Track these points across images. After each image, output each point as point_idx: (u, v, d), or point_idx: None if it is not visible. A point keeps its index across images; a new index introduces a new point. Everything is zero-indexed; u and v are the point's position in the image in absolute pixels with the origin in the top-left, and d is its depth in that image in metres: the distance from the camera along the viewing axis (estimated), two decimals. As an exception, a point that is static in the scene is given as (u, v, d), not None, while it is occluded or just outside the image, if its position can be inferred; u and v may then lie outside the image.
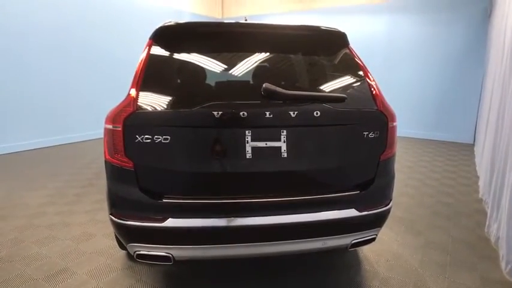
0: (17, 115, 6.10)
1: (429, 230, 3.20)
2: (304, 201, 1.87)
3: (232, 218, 1.79)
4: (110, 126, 1.79)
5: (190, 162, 1.80)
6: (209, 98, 1.84)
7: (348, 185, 1.98)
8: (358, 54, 2.18)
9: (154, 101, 1.82)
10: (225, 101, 1.84)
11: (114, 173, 1.84)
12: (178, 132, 1.76)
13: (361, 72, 2.07)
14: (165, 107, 1.80)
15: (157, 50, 1.97)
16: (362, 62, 2.12)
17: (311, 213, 1.87)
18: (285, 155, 1.82)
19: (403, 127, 7.90)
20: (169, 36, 2.03)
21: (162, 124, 1.76)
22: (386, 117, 1.97)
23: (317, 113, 1.83)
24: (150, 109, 1.78)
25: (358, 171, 2.00)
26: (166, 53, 1.99)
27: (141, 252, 1.85)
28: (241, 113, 1.75)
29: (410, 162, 5.74)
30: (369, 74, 2.06)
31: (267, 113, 1.77)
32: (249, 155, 1.79)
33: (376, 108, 1.96)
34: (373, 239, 2.09)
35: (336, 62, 2.19)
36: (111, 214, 1.89)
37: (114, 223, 1.87)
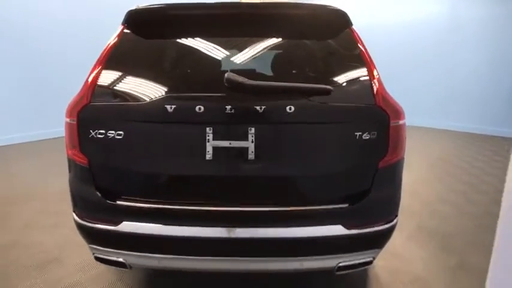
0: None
1: (467, 248, 2.66)
2: (274, 213, 1.56)
3: (187, 226, 1.55)
4: (68, 120, 1.65)
5: (143, 162, 1.59)
6: (168, 90, 1.61)
7: (333, 197, 1.63)
8: (361, 39, 1.78)
9: (111, 93, 1.63)
10: (187, 92, 1.59)
11: (72, 170, 1.71)
12: (131, 128, 1.56)
13: (360, 60, 1.67)
14: (120, 99, 1.61)
15: (126, 37, 1.78)
16: (364, 48, 1.72)
17: (283, 227, 1.55)
18: (253, 157, 1.52)
19: (464, 121, 6.96)
20: (140, 21, 1.81)
21: (114, 118, 1.57)
22: (388, 115, 1.57)
23: (290, 108, 1.49)
24: (104, 102, 1.60)
25: (348, 180, 1.63)
26: (134, 40, 1.79)
27: (98, 255, 1.72)
28: (197, 108, 1.49)
29: (465, 163, 4.98)
30: (369, 62, 1.66)
31: (228, 108, 1.49)
32: (209, 156, 1.52)
33: (373, 103, 1.56)
34: (369, 263, 1.71)
35: (331, 47, 1.81)
36: (73, 212, 1.77)
37: (75, 222, 1.75)
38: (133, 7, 1.78)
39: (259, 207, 1.57)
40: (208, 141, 1.52)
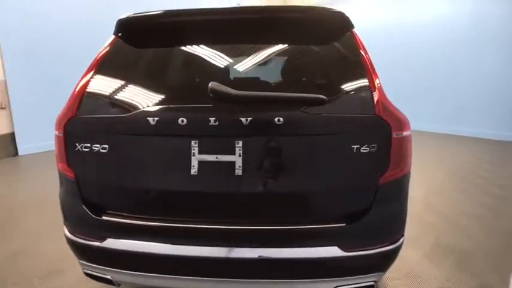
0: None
1: (492, 269, 2.42)
2: (262, 232, 1.46)
3: (172, 245, 1.47)
4: (56, 133, 1.62)
5: (128, 177, 1.54)
6: (153, 102, 1.54)
7: (328, 215, 1.50)
8: (362, 42, 1.65)
9: (97, 105, 1.59)
10: (172, 104, 1.52)
11: (62, 183, 1.68)
12: (115, 142, 1.51)
13: (360, 66, 1.54)
14: (105, 111, 1.56)
15: (115, 47, 1.73)
16: (365, 53, 1.59)
17: (272, 248, 1.45)
18: (240, 172, 1.43)
19: (492, 128, 6.57)
20: (128, 30, 1.76)
21: (99, 132, 1.53)
22: (389, 125, 1.43)
23: (279, 120, 1.39)
24: (89, 114, 1.56)
25: (344, 197, 1.50)
26: (123, 50, 1.73)
27: (87, 271, 1.67)
28: (179, 120, 1.41)
29: (489, 173, 4.65)
30: (370, 69, 1.52)
31: (212, 120, 1.40)
32: (194, 171, 1.44)
33: (372, 113, 1.43)
34: (370, 287, 1.57)
35: (330, 52, 1.68)
36: (64, 225, 1.74)
37: (65, 236, 1.71)
38: (123, 16, 1.74)
39: (247, 225, 1.47)
40: (194, 155, 1.44)
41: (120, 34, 1.76)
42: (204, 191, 1.48)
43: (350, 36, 1.65)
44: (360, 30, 1.70)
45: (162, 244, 1.49)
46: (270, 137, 1.43)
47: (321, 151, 1.44)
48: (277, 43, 1.71)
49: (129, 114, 1.48)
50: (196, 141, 1.44)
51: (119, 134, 1.50)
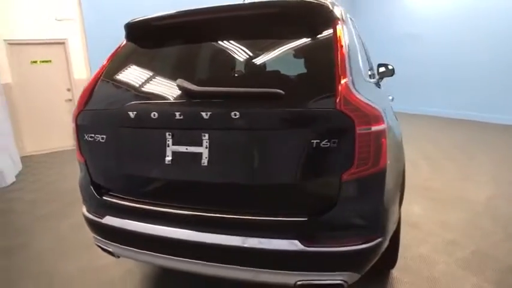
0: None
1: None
2: (227, 221, 1.53)
3: (151, 225, 1.64)
4: (72, 124, 1.91)
5: (120, 163, 1.75)
6: (137, 97, 1.71)
7: (289, 208, 1.50)
8: (344, 33, 1.58)
9: (100, 100, 1.82)
10: (151, 100, 1.68)
11: (80, 167, 1.98)
12: (110, 132, 1.73)
13: (329, 59, 1.49)
14: (104, 106, 1.78)
15: (123, 49, 1.96)
16: (341, 45, 1.52)
17: (236, 236, 1.51)
18: (206, 163, 1.52)
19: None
20: (132, 34, 1.97)
21: (98, 123, 1.77)
22: (352, 120, 1.36)
23: (235, 114, 1.43)
24: (93, 108, 1.80)
25: (306, 191, 1.48)
26: (129, 51, 1.95)
27: (97, 243, 1.94)
28: (152, 114, 1.56)
29: None
30: (340, 62, 1.46)
31: (177, 114, 1.52)
32: (168, 160, 1.58)
33: (333, 107, 1.38)
34: (339, 286, 1.52)
35: (302, 46, 1.65)
36: (82, 204, 2.04)
37: (82, 213, 2.01)
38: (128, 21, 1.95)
39: (210, 213, 1.56)
40: (168, 146, 1.58)
41: (126, 38, 1.98)
42: (176, 178, 1.62)
43: (329, 28, 1.59)
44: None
45: (144, 224, 1.67)
46: (229, 131, 1.49)
47: (279, 145, 1.45)
48: (252, 39, 1.74)
49: (116, 108, 1.69)
50: (170, 133, 1.57)
51: (112, 126, 1.72)
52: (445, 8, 8.29)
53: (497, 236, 2.69)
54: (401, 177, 1.90)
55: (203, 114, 1.48)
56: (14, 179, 4.77)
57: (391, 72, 3.96)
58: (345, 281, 1.51)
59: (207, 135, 1.51)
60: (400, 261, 2.40)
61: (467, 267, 2.30)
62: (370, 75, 2.32)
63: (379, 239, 1.51)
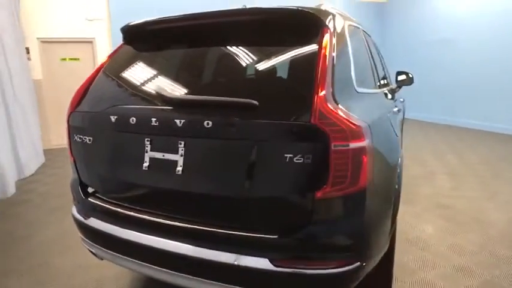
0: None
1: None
2: (197, 232, 1.47)
3: (128, 230, 1.62)
4: (66, 124, 1.94)
5: (103, 166, 1.75)
6: (120, 101, 1.70)
7: (259, 224, 1.43)
8: (332, 42, 1.49)
9: (89, 102, 1.83)
10: (133, 105, 1.66)
11: (71, 166, 2.00)
12: (95, 135, 1.73)
13: (309, 70, 1.41)
14: (92, 108, 1.79)
15: (119, 52, 1.97)
16: (325, 55, 1.43)
17: (204, 248, 1.45)
18: (180, 171, 1.48)
19: None
20: (127, 37, 1.97)
21: (85, 125, 1.77)
22: (327, 135, 1.27)
23: (208, 124, 1.38)
24: (82, 110, 1.82)
25: (278, 207, 1.40)
26: (122, 54, 1.95)
27: (83, 243, 1.96)
28: (130, 119, 1.55)
29: None
30: (321, 72, 1.37)
31: (153, 120, 1.49)
32: (145, 166, 1.56)
33: (307, 120, 1.29)
34: None
35: (286, 55, 1.56)
36: (73, 203, 2.06)
37: (71, 213, 2.03)
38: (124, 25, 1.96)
39: (182, 222, 1.51)
40: (147, 152, 1.56)
41: (123, 41, 1.99)
42: (151, 185, 1.59)
43: (315, 38, 1.51)
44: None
45: (122, 229, 1.65)
46: (202, 140, 1.44)
47: (250, 157, 1.37)
48: (237, 46, 1.67)
49: (100, 111, 1.69)
50: (149, 139, 1.55)
51: (96, 128, 1.72)
52: (479, 12, 7.78)
53: (514, 266, 2.46)
54: (393, 196, 1.76)
55: (177, 121, 1.44)
56: (33, 171, 4.97)
57: (410, 81, 3.77)
58: None
59: (183, 143, 1.47)
60: (398, 284, 2.26)
61: (475, 298, 2.12)
62: (373, 85, 2.19)
63: (357, 264, 1.40)
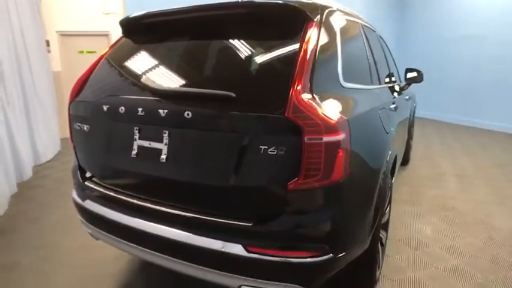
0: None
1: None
2: (178, 216, 1.54)
3: (118, 213, 1.71)
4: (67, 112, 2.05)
5: (97, 152, 1.84)
6: (113, 91, 1.78)
7: (234, 212, 1.47)
8: (315, 36, 1.51)
9: (87, 92, 1.92)
10: (124, 95, 1.73)
11: (73, 152, 2.11)
12: (91, 123, 1.82)
13: (289, 64, 1.44)
14: (89, 98, 1.87)
15: (117, 44, 2.06)
16: (306, 48, 1.45)
17: (184, 232, 1.52)
18: (164, 159, 1.54)
19: None
20: (125, 30, 2.06)
21: (83, 114, 1.87)
22: (301, 128, 1.30)
23: (188, 114, 1.44)
24: (81, 99, 1.91)
25: (252, 197, 1.44)
26: (120, 46, 2.03)
27: (82, 224, 2.06)
28: (119, 108, 1.62)
29: None
30: (300, 66, 1.40)
31: (139, 110, 1.56)
32: (134, 153, 1.63)
33: (281, 113, 1.32)
34: None
35: (268, 48, 1.59)
36: (73, 187, 2.17)
37: (72, 196, 2.14)
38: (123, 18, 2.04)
39: (165, 207, 1.58)
40: (135, 140, 1.63)
41: (122, 33, 2.08)
42: (139, 171, 1.67)
43: (299, 32, 1.53)
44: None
45: (112, 211, 1.74)
46: (183, 130, 1.49)
47: (227, 147, 1.42)
48: (223, 39, 1.71)
49: (94, 101, 1.77)
50: (138, 128, 1.62)
51: (92, 117, 1.81)
52: (507, 8, 7.34)
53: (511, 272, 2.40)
54: (375, 193, 1.76)
55: (160, 111, 1.50)
56: (49, 158, 5.19)
57: (420, 78, 3.70)
58: None
59: (167, 132, 1.53)
60: (386, 282, 2.25)
61: (463, 301, 2.09)
62: (368, 81, 2.19)
63: (329, 255, 1.42)
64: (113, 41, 7.34)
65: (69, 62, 6.63)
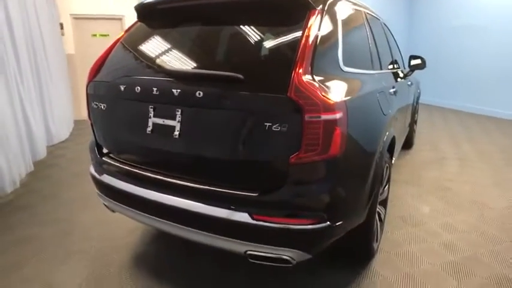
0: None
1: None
2: (190, 188, 1.70)
3: (134, 186, 1.87)
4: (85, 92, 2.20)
5: (114, 129, 2.00)
6: (129, 72, 1.92)
7: (242, 184, 1.63)
8: (317, 23, 1.64)
9: (105, 73, 2.07)
10: (140, 75, 1.87)
11: (90, 129, 2.27)
12: (108, 102, 1.97)
13: (292, 48, 1.58)
14: (106, 78, 2.02)
15: (132, 28, 2.20)
16: (309, 34, 1.59)
17: (196, 202, 1.68)
18: (177, 135, 1.70)
19: None
20: (140, 15, 2.20)
21: (100, 93, 2.02)
22: (301, 107, 1.44)
23: (199, 94, 1.58)
24: (99, 80, 2.06)
25: (258, 169, 1.60)
26: (135, 30, 2.17)
27: (99, 197, 2.24)
28: (136, 88, 1.77)
29: None
30: (302, 51, 1.54)
31: (155, 90, 1.70)
32: (149, 130, 1.79)
33: (284, 94, 1.46)
34: (287, 262, 1.63)
35: (274, 34, 1.73)
36: (91, 163, 2.35)
37: (89, 171, 2.31)
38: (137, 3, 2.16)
39: (178, 179, 1.74)
40: (150, 118, 1.78)
41: (137, 18, 2.21)
42: (153, 147, 1.82)
43: (302, 19, 1.65)
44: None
45: (129, 184, 1.91)
46: (195, 108, 1.64)
47: (236, 125, 1.57)
48: (232, 25, 1.84)
49: (112, 81, 1.92)
50: (152, 107, 1.77)
51: (109, 96, 1.96)
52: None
53: (500, 246, 2.54)
54: (371, 170, 1.91)
55: (174, 91, 1.65)
56: (62, 139, 5.39)
57: (423, 65, 3.83)
58: (291, 258, 1.62)
59: (179, 110, 1.68)
60: (382, 255, 2.42)
61: (453, 271, 2.24)
62: (368, 66, 2.30)
63: (327, 223, 1.58)
64: (126, 24, 7.47)
65: (83, 45, 6.77)
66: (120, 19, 6.88)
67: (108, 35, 6.90)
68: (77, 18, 6.62)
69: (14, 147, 3.59)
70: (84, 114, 6.93)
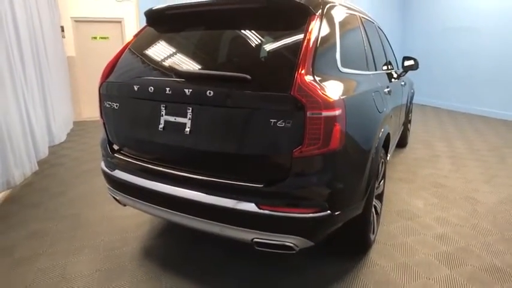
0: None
1: None
2: (201, 181, 1.82)
3: (146, 180, 1.99)
4: (98, 92, 2.32)
5: (126, 127, 2.12)
6: (142, 74, 2.04)
7: (250, 176, 1.75)
8: (317, 27, 1.78)
9: (118, 74, 2.19)
10: (152, 77, 2.00)
11: (102, 128, 2.39)
12: (121, 101, 2.09)
13: (295, 51, 1.71)
14: (119, 79, 2.14)
15: (142, 32, 2.32)
16: (310, 38, 1.73)
17: (206, 194, 1.80)
18: (188, 132, 1.82)
19: None
20: (149, 20, 2.31)
21: (114, 93, 2.14)
22: (303, 104, 1.57)
23: (210, 93, 1.70)
24: (111, 80, 2.17)
25: (264, 163, 1.73)
26: (145, 34, 2.29)
27: (109, 192, 2.36)
28: (149, 88, 1.89)
29: None
30: (303, 53, 1.67)
31: (167, 89, 1.82)
32: (161, 127, 1.91)
33: (288, 93, 1.59)
34: (290, 249, 1.76)
35: (278, 37, 1.87)
36: (102, 159, 2.46)
37: (100, 167, 2.43)
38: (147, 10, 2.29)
39: (189, 173, 1.86)
40: (162, 116, 1.91)
41: (147, 23, 2.33)
42: (165, 143, 1.94)
43: (303, 24, 1.79)
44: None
45: (141, 178, 2.02)
46: (205, 107, 1.77)
47: (244, 121, 1.70)
48: (239, 29, 1.98)
49: (126, 82, 2.04)
50: (164, 105, 1.89)
51: (122, 96, 2.08)
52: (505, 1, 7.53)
53: (491, 238, 2.68)
54: (368, 164, 2.04)
55: (186, 91, 1.77)
56: (62, 140, 5.47)
57: (416, 66, 3.99)
58: (295, 244, 1.75)
59: (191, 108, 1.81)
60: (379, 246, 2.55)
61: (446, 261, 2.38)
62: (364, 67, 2.44)
63: (327, 212, 1.71)
64: (126, 27, 7.59)
65: (83, 47, 6.88)
66: (119, 22, 7.00)
67: (108, 37, 7.02)
68: (77, 21, 6.73)
69: (20, 146, 3.69)
70: (83, 115, 7.16)
